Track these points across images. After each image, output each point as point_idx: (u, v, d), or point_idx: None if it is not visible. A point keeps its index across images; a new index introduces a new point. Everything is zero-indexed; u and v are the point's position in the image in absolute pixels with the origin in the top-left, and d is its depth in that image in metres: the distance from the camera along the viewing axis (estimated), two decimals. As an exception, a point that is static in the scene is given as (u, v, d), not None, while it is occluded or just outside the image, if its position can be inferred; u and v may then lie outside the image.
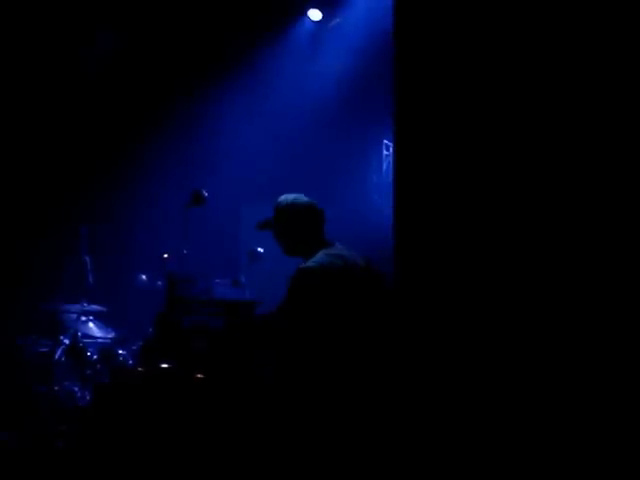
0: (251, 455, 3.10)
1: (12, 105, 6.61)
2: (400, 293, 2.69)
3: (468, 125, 2.58)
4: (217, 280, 5.21)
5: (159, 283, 5.67)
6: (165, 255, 5.25)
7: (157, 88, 7.26)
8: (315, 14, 7.24)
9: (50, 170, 6.84)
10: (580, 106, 2.40)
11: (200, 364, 3.36)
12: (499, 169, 2.52)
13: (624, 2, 2.36)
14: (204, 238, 5.59)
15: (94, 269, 5.62)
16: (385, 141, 7.15)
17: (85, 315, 5.60)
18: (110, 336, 5.57)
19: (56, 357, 5.16)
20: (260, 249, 5.47)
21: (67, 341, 5.23)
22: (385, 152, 7.18)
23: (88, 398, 4.95)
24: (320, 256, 3.22)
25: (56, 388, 5.06)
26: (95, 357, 5.17)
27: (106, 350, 5.20)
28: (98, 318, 5.75)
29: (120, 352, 5.15)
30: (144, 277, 5.93)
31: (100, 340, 5.51)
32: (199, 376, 3.31)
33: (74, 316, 5.54)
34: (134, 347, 5.10)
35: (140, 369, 3.66)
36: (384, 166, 7.18)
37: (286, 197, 3.40)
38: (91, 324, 5.65)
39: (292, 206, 3.36)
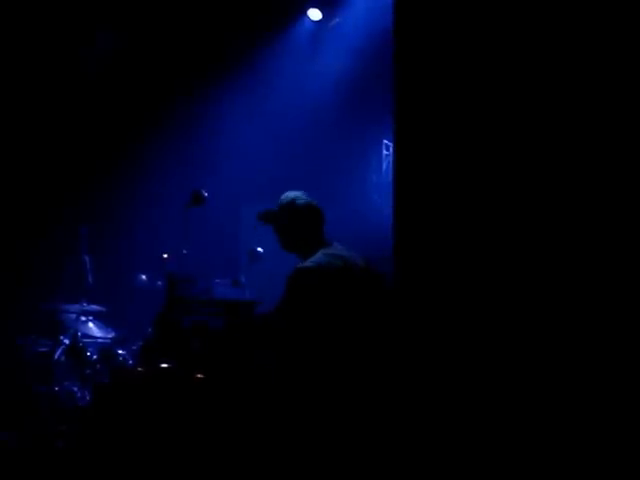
0: (251, 455, 3.10)
1: (12, 105, 6.61)
2: (400, 293, 2.69)
3: (468, 125, 2.58)
4: (217, 280, 5.21)
5: (159, 283, 5.66)
6: (165, 255, 5.25)
7: (157, 88, 7.26)
8: (315, 14, 7.24)
9: (50, 170, 6.84)
10: (580, 106, 2.40)
11: (200, 364, 3.36)
12: (499, 169, 2.52)
13: (624, 2, 2.36)
14: (204, 238, 5.59)
15: (94, 269, 5.62)
16: (385, 141, 7.15)
17: (85, 315, 5.60)
18: (110, 336, 5.57)
19: (56, 357, 5.16)
20: (260, 249, 5.47)
21: (67, 341, 5.23)
22: (385, 152, 7.18)
23: (88, 398, 4.94)
24: (319, 256, 3.23)
25: (56, 388, 5.06)
26: (95, 357, 5.17)
27: (106, 350, 5.19)
28: (98, 318, 5.75)
29: (120, 352, 5.15)
30: (144, 277, 5.93)
31: (100, 340, 5.51)
32: (199, 376, 3.30)
33: (74, 316, 5.54)
34: (134, 347, 5.09)
35: (140, 369, 3.66)
36: (384, 166, 7.18)
37: (289, 194, 3.42)
38: (91, 324, 5.65)
39: (294, 204, 3.37)
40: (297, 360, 3.15)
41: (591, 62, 2.39)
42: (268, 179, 6.71)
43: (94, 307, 5.61)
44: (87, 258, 5.61)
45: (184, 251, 4.44)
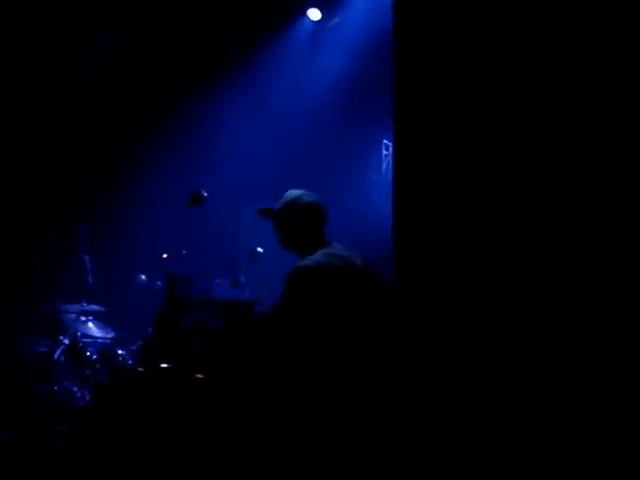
0: (251, 454, 3.10)
1: (12, 105, 6.61)
2: (399, 293, 2.69)
3: (468, 125, 2.58)
4: (216, 280, 5.21)
5: (158, 283, 5.66)
6: (164, 255, 5.25)
7: (157, 88, 7.26)
8: (314, 14, 7.24)
9: (50, 170, 6.84)
10: (580, 105, 2.40)
11: (199, 364, 3.36)
12: (499, 168, 2.52)
13: (624, 2, 2.36)
14: (204, 238, 5.59)
15: (94, 269, 5.62)
16: (384, 141, 7.15)
17: (85, 315, 5.60)
18: (110, 336, 5.57)
19: (56, 357, 5.16)
20: (260, 249, 5.47)
21: (67, 341, 5.23)
22: (384, 152, 7.18)
23: (88, 398, 4.95)
24: (318, 255, 3.23)
25: (56, 388, 5.06)
26: (95, 357, 5.17)
27: (106, 350, 5.19)
28: (98, 318, 5.75)
29: (120, 352, 5.15)
30: (143, 277, 5.93)
31: (100, 340, 5.51)
32: (198, 376, 3.30)
33: (74, 316, 5.54)
34: (133, 347, 5.09)
35: (139, 369, 3.66)
36: (383, 166, 7.18)
37: (294, 192, 3.43)
38: (91, 324, 5.65)
39: (300, 201, 3.38)
40: (295, 359, 3.15)
41: (591, 62, 2.39)
42: (268, 179, 6.71)
43: (94, 307, 5.61)
44: (87, 258, 5.61)
45: (184, 251, 4.44)
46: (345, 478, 2.97)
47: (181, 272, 4.02)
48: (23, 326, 5.67)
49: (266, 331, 3.28)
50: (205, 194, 4.27)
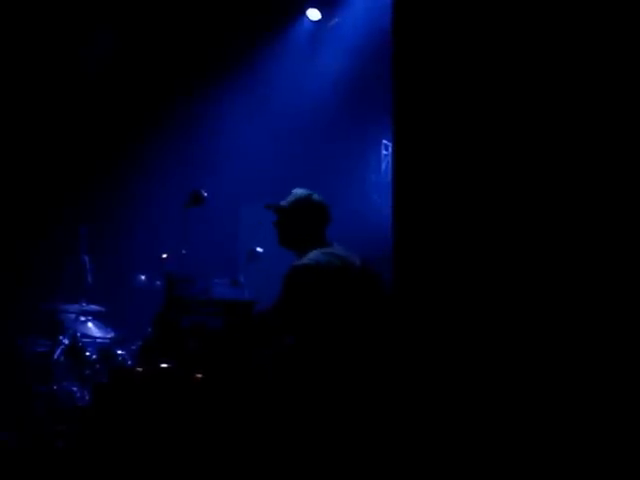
0: (251, 454, 3.10)
1: (12, 105, 6.61)
2: (399, 292, 2.69)
3: (467, 124, 2.58)
4: (216, 280, 5.21)
5: (158, 283, 5.66)
6: (164, 255, 5.24)
7: (157, 88, 7.26)
8: (314, 14, 7.25)
9: (50, 170, 6.84)
10: (580, 105, 2.40)
11: (199, 364, 3.36)
12: (499, 168, 2.52)
13: (624, 2, 2.36)
14: (203, 238, 5.59)
15: (93, 269, 5.62)
16: (384, 141, 7.15)
17: (84, 315, 5.60)
18: (109, 336, 5.57)
19: (55, 357, 5.17)
20: (259, 249, 5.47)
21: (66, 341, 5.23)
22: (384, 152, 7.19)
23: (87, 398, 4.95)
24: (316, 254, 3.23)
25: (55, 388, 5.06)
26: (94, 357, 5.17)
27: (105, 350, 5.19)
28: (97, 318, 5.75)
29: (119, 352, 5.15)
30: (143, 277, 5.92)
31: (99, 340, 5.50)
32: (198, 376, 3.30)
33: (73, 316, 5.54)
34: (133, 347, 5.09)
35: (139, 369, 3.65)
36: (383, 166, 7.18)
37: (302, 190, 3.44)
38: (90, 324, 5.65)
39: (309, 200, 3.39)
40: (294, 358, 3.15)
41: (590, 63, 2.39)
42: (267, 179, 6.71)
43: (93, 307, 5.61)
44: (86, 258, 5.61)
45: (183, 251, 4.44)
46: (344, 478, 2.97)
47: (180, 272, 4.03)
48: (23, 326, 5.67)
49: (265, 330, 3.28)
50: (205, 194, 4.27)
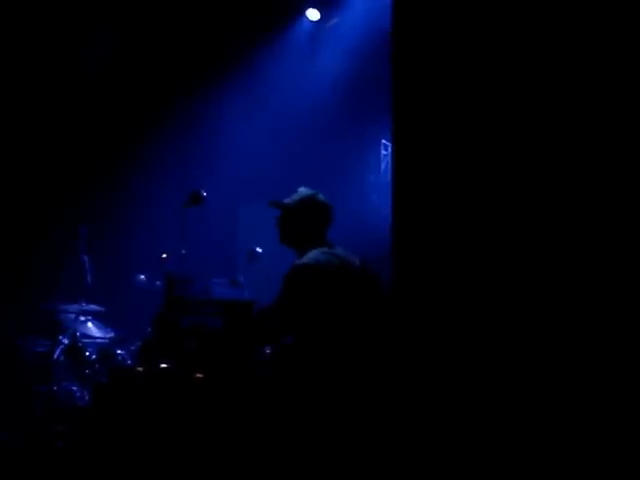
0: (251, 455, 3.10)
1: (12, 105, 6.61)
2: (398, 293, 2.69)
3: (467, 124, 2.58)
4: (215, 280, 5.21)
5: (158, 283, 5.66)
6: (164, 255, 5.25)
7: (157, 88, 7.27)
8: (313, 14, 7.25)
9: (50, 170, 6.84)
10: (580, 105, 2.40)
11: (199, 364, 3.37)
12: (498, 168, 2.52)
13: (624, 2, 2.36)
14: (202, 238, 5.59)
15: (93, 269, 5.62)
16: (383, 141, 7.15)
17: (84, 315, 5.60)
18: (109, 336, 5.57)
19: (55, 357, 5.17)
20: (259, 249, 5.47)
21: (66, 341, 5.23)
22: (383, 152, 7.19)
23: (87, 398, 4.95)
24: (315, 254, 3.24)
25: (55, 388, 5.06)
26: (94, 357, 5.17)
27: (105, 350, 5.19)
28: (97, 318, 5.75)
29: (119, 352, 5.15)
30: (143, 277, 5.92)
31: (99, 340, 5.51)
32: (198, 376, 3.31)
33: (73, 316, 5.54)
34: (133, 347, 5.09)
35: (139, 369, 3.66)
36: (382, 166, 7.19)
37: (306, 190, 3.44)
38: (90, 324, 5.65)
39: (314, 199, 3.40)
40: (294, 357, 3.16)
41: (590, 63, 2.40)
42: (266, 179, 6.72)
43: (93, 307, 5.61)
44: (86, 258, 5.61)
45: (183, 251, 4.45)
46: (344, 477, 2.98)
47: (180, 272, 4.03)
48: (22, 326, 5.67)
49: (264, 329, 3.29)
50: (204, 194, 4.28)
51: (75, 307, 5.53)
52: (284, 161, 6.94)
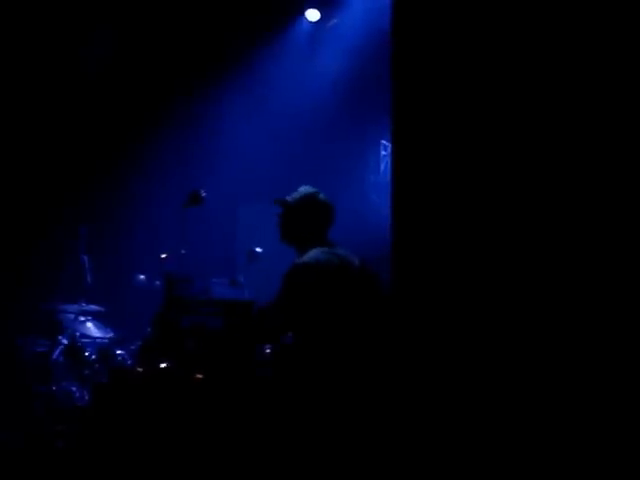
0: (251, 455, 3.10)
1: (12, 105, 6.61)
2: (397, 292, 2.69)
3: (466, 125, 2.58)
4: (214, 280, 5.21)
5: (157, 283, 5.66)
6: (163, 255, 5.25)
7: (156, 88, 7.27)
8: (313, 15, 7.25)
9: (50, 170, 6.84)
10: (580, 105, 2.40)
11: (198, 364, 3.37)
12: (498, 168, 2.52)
13: (624, 2, 2.36)
14: (202, 238, 5.59)
15: (93, 269, 5.62)
16: (383, 141, 7.15)
17: (83, 315, 5.60)
18: (108, 336, 5.56)
19: (54, 357, 5.17)
20: (258, 249, 5.47)
21: (65, 341, 5.23)
22: (383, 152, 7.19)
23: (86, 398, 4.95)
24: (315, 252, 3.24)
25: (54, 388, 5.06)
26: (93, 357, 5.17)
27: (104, 350, 5.19)
28: (96, 318, 5.75)
29: (118, 352, 5.15)
30: (142, 277, 5.92)
31: (98, 340, 5.50)
32: (198, 376, 3.31)
33: (72, 316, 5.54)
34: (132, 347, 5.08)
35: (138, 369, 3.66)
36: (382, 166, 7.19)
37: (308, 188, 3.45)
38: (89, 324, 5.65)
39: (315, 197, 3.41)
40: (293, 356, 3.16)
41: (590, 63, 2.40)
42: (266, 179, 6.71)
43: (93, 307, 5.62)
44: (86, 258, 5.61)
45: (182, 251, 4.45)
46: (344, 477, 2.98)
47: (179, 272, 4.03)
48: (22, 326, 5.67)
49: (264, 327, 3.29)
50: (204, 194, 4.28)
51: (75, 307, 5.53)
52: (284, 161, 6.94)
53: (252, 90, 7.28)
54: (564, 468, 2.33)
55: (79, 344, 5.22)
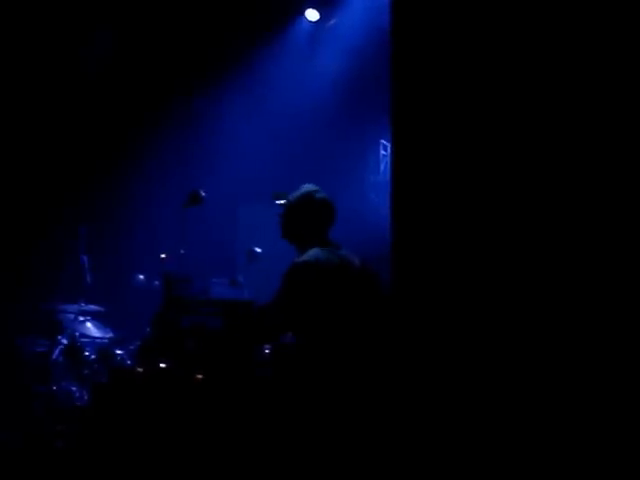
0: (251, 455, 3.10)
1: (12, 105, 6.62)
2: (397, 291, 2.69)
3: (466, 124, 2.58)
4: (214, 280, 5.21)
5: (157, 283, 5.66)
6: (163, 255, 5.25)
7: (156, 88, 7.27)
8: (312, 14, 7.25)
9: (49, 170, 6.84)
10: (580, 105, 2.40)
11: (198, 364, 3.37)
12: (497, 168, 2.52)
13: (624, 2, 2.36)
14: (202, 238, 5.59)
15: (92, 269, 5.62)
16: (382, 141, 7.15)
17: (83, 315, 5.60)
18: (108, 336, 5.57)
19: (54, 357, 5.17)
20: (258, 249, 5.47)
21: (65, 341, 5.23)
22: (382, 152, 7.19)
23: (86, 398, 4.95)
24: (315, 251, 3.24)
25: (54, 388, 5.06)
26: (93, 357, 5.17)
27: (104, 350, 5.19)
28: (96, 318, 5.75)
29: (118, 352, 5.14)
30: (142, 277, 5.92)
31: (98, 340, 5.50)
32: (198, 376, 3.31)
33: (72, 316, 5.54)
34: (132, 347, 5.08)
35: (138, 369, 3.66)
36: (381, 166, 7.19)
37: (309, 186, 3.46)
38: (89, 324, 5.65)
39: (314, 195, 3.40)
40: (293, 355, 3.16)
41: (590, 63, 2.40)
42: (266, 179, 6.71)
43: (92, 307, 5.62)
44: (85, 258, 5.61)
45: (182, 251, 4.45)
46: (344, 477, 2.98)
47: (178, 272, 4.03)
48: (22, 326, 5.67)
49: (264, 327, 3.29)
50: (204, 194, 4.28)
51: (74, 307, 5.53)
52: (284, 161, 6.94)
53: (252, 90, 7.28)
54: (564, 468, 2.33)
55: (79, 344, 5.22)
